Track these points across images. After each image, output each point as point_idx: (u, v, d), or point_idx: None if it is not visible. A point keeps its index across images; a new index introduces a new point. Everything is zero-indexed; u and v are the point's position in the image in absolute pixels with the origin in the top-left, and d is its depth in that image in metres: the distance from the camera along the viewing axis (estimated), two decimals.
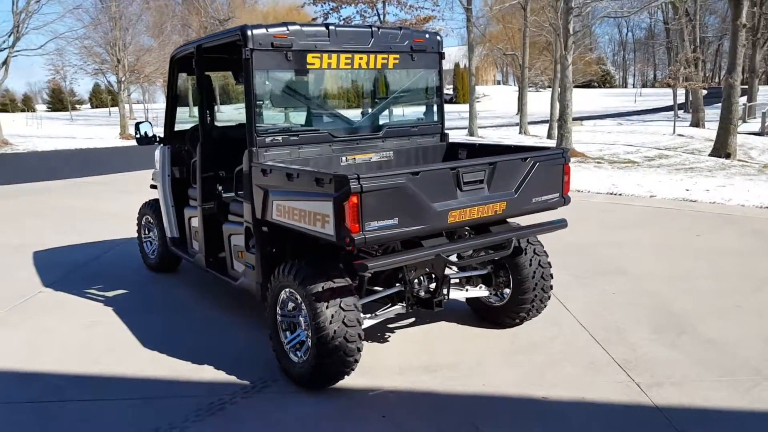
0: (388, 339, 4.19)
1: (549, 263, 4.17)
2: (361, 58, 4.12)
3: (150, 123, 5.40)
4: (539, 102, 36.38)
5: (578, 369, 3.67)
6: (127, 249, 6.67)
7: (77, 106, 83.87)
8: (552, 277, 4.22)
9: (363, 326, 3.49)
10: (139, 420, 3.15)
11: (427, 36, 4.48)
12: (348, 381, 3.49)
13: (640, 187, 10.42)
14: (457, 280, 4.25)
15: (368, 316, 3.75)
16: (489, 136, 23.67)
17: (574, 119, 19.21)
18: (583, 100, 40.47)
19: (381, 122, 4.57)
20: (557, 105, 18.32)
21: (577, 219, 5.04)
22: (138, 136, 5.33)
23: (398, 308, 3.84)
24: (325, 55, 3.95)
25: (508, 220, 3.82)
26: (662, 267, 5.73)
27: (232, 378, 3.62)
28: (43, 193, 11.10)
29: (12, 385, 3.62)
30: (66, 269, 6.03)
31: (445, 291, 3.94)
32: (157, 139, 5.37)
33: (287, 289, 3.49)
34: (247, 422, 3.13)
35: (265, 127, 3.87)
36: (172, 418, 3.16)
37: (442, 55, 4.57)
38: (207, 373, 3.70)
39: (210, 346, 4.11)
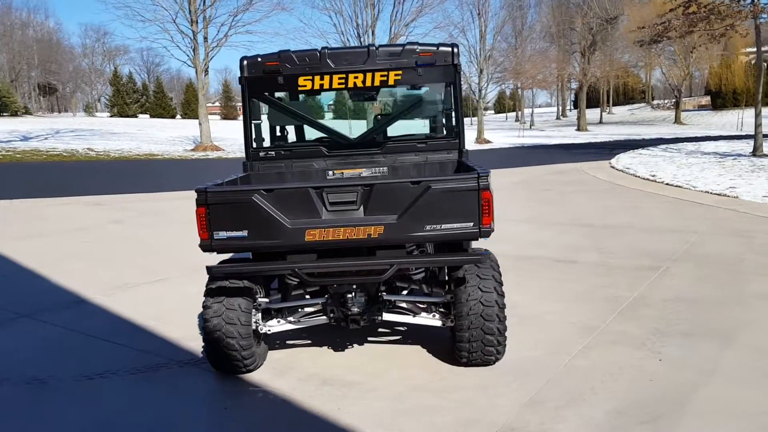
0: (331, 346, 4.42)
1: (498, 302, 3.72)
2: (356, 77, 4.42)
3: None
4: None
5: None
6: None
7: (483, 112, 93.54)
8: (502, 319, 3.75)
9: (273, 328, 3.94)
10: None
11: (436, 49, 4.43)
12: (259, 371, 4.01)
13: None
14: (404, 304, 4.15)
15: (284, 320, 4.10)
16: None
17: None
18: None
19: (383, 137, 4.71)
20: None
21: None
22: None
23: (323, 319, 4.08)
24: (317, 77, 4.42)
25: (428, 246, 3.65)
26: None
27: (189, 346, 4.49)
28: None
29: None
30: None
31: (377, 311, 3.98)
32: None
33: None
34: (161, 381, 4.01)
35: (258, 143, 4.61)
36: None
37: (456, 67, 4.43)
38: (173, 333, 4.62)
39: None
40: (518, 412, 3.38)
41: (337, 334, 4.54)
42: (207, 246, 3.53)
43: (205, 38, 27.02)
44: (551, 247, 7.40)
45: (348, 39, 30.05)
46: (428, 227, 3.45)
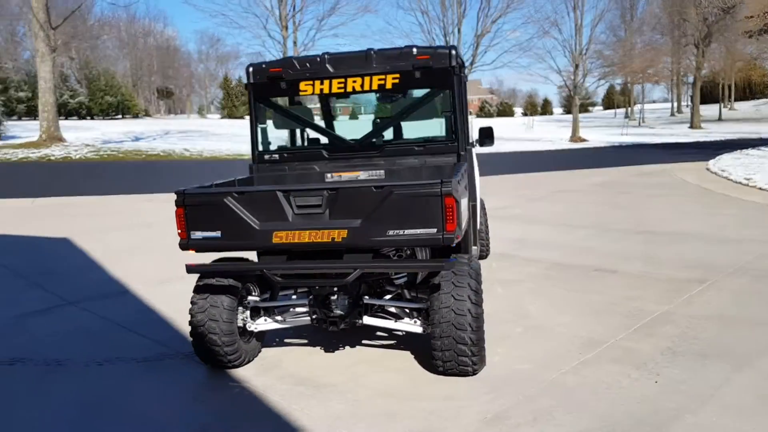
0: (323, 347, 4.48)
1: (471, 311, 3.64)
2: (354, 81, 4.49)
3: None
4: None
5: None
6: None
7: (590, 108, 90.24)
8: (475, 329, 3.65)
9: (260, 326, 4.10)
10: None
11: (433, 52, 4.38)
12: (247, 367, 4.17)
13: None
14: (392, 309, 4.14)
15: (271, 319, 4.24)
16: None
17: None
18: None
19: (382, 141, 4.71)
20: None
21: None
22: None
23: (307, 319, 4.16)
24: (317, 82, 4.54)
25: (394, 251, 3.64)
26: None
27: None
28: None
29: None
30: None
31: (358, 315, 4.01)
32: None
33: None
34: (159, 371, 4.27)
35: (265, 146, 4.78)
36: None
37: (453, 70, 4.36)
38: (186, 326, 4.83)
39: None
40: (476, 428, 3.28)
41: (333, 336, 4.61)
42: (185, 245, 3.73)
43: (295, 43, 28.06)
44: (597, 255, 7.04)
45: (434, 38, 30.00)
46: (391, 232, 3.45)
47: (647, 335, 4.48)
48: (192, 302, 4.03)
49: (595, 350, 4.25)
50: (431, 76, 4.40)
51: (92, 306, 5.82)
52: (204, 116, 75.25)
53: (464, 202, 3.76)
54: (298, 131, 5.03)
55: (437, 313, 3.68)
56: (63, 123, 41.76)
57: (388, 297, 4.24)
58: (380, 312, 4.18)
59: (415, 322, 4.03)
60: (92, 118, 55.94)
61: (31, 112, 45.06)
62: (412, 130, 5.04)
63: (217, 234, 3.66)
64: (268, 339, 4.65)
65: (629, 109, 62.58)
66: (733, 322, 4.68)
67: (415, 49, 4.40)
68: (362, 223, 3.46)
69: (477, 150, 6.47)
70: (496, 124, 61.93)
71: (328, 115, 5.55)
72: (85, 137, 31.14)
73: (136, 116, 61.97)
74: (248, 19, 33.91)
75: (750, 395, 3.49)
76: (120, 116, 61.08)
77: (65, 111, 55.03)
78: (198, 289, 4.04)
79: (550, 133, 41.29)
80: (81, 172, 19.89)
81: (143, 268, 7.26)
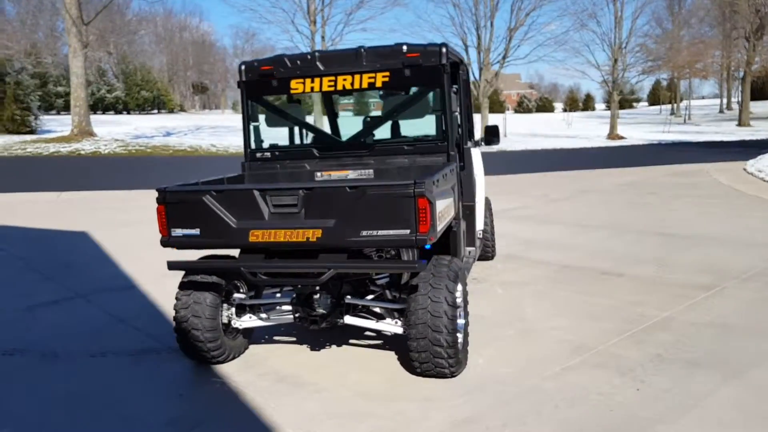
0: (309, 345, 4.56)
1: (447, 313, 3.66)
2: (344, 80, 4.55)
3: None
4: None
5: None
6: None
7: (634, 104, 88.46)
8: (450, 331, 3.68)
9: (244, 323, 4.21)
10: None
11: (423, 50, 4.41)
12: (232, 363, 4.29)
13: None
14: (378, 309, 4.19)
15: (255, 317, 4.35)
16: None
17: None
18: None
19: (372, 140, 4.75)
20: None
21: None
22: None
23: (289, 317, 4.24)
24: (308, 80, 4.62)
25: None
26: None
27: None
28: None
29: None
30: None
31: (339, 314, 4.08)
32: None
33: None
34: (147, 364, 4.43)
35: (256, 144, 4.88)
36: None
37: (443, 68, 4.38)
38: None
39: None
40: (442, 430, 3.32)
41: (321, 335, 4.69)
42: (165, 242, 3.85)
43: (323, 37, 28.26)
44: (609, 257, 6.94)
45: (465, 32, 29.80)
46: (365, 233, 3.50)
47: (640, 341, 4.43)
48: (176, 298, 4.15)
49: (582, 355, 4.22)
50: (421, 75, 4.42)
51: (99, 299, 6.04)
52: (238, 111, 76.19)
53: (443, 203, 3.77)
54: (296, 129, 5.11)
55: (414, 314, 3.72)
56: (99, 117, 42.88)
57: (370, 297, 4.29)
58: (363, 312, 4.24)
59: (396, 322, 4.07)
60: (128, 113, 57.46)
61: (69, 107, 46.58)
62: (404, 129, 5.07)
63: (196, 232, 3.77)
64: (258, 336, 4.76)
65: (675, 105, 60.99)
66: (732, 330, 4.59)
67: (405, 47, 4.43)
68: (336, 223, 3.51)
69: (484, 148, 6.47)
70: (534, 120, 61.52)
71: (331, 113, 5.63)
72: (117, 132, 32.06)
73: (171, 111, 63.38)
74: (276, 14, 34.09)
75: (733, 408, 3.42)
76: (156, 111, 62.54)
77: (102, 106, 56.70)
78: (182, 286, 4.16)
79: (589, 130, 40.55)
80: (107, 166, 20.49)
81: (154, 263, 7.39)
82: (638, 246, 7.51)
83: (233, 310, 4.30)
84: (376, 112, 5.81)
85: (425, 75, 4.41)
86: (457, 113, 5.40)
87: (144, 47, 70.74)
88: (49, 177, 17.52)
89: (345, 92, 4.67)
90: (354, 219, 3.48)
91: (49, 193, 13.85)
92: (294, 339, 4.75)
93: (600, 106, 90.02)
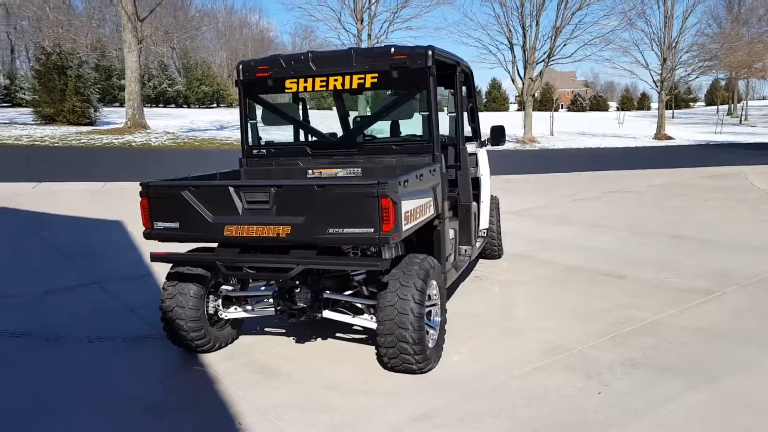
0: (295, 337, 4.66)
1: (413, 311, 3.71)
2: (336, 80, 4.63)
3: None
4: None
5: None
6: None
7: (691, 104, 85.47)
8: (416, 328, 3.72)
9: (229, 314, 4.36)
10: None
11: (410, 52, 4.44)
12: (218, 353, 4.44)
13: None
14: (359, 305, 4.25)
15: (240, 308, 4.48)
16: None
17: None
18: None
19: (360, 139, 4.81)
20: None
21: None
22: None
23: (271, 310, 4.35)
24: (301, 80, 4.72)
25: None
26: None
27: None
28: None
29: None
30: None
31: (317, 309, 4.17)
32: None
33: None
34: (140, 350, 4.63)
35: (254, 141, 5.01)
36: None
37: (429, 70, 4.40)
38: None
39: None
40: (398, 425, 3.36)
41: (309, 328, 4.79)
42: (148, 234, 4.03)
43: (369, 35, 28.36)
44: (615, 259, 6.81)
45: (511, 30, 29.36)
46: (332, 230, 3.57)
47: (618, 344, 4.36)
48: (162, 288, 4.33)
49: (556, 356, 4.19)
50: (408, 76, 4.45)
51: (112, 286, 6.30)
52: None
53: (413, 203, 3.80)
54: (292, 127, 5.23)
55: (382, 310, 3.78)
56: (158, 111, 44.07)
57: (348, 293, 4.37)
58: (342, 307, 4.31)
59: (371, 318, 4.14)
60: (188, 107, 59.01)
61: None
62: (394, 129, 5.11)
63: (176, 225, 3.92)
64: (249, 327, 4.90)
65: (731, 105, 58.55)
66: (719, 337, 4.45)
67: (392, 49, 4.48)
68: (305, 220, 3.60)
69: (489, 148, 6.43)
70: (587, 118, 60.11)
71: (341, 109, 5.73)
72: (173, 125, 33.00)
73: (229, 106, 64.71)
74: (324, 12, 34.48)
75: (692, 414, 3.35)
76: (215, 105, 64.02)
77: (164, 99, 58.44)
78: (169, 277, 4.33)
79: (639, 130, 39.40)
80: (155, 158, 21.12)
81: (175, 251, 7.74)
82: (649, 248, 7.33)
83: (220, 301, 4.44)
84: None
85: (411, 76, 4.44)
86: (453, 114, 5.40)
87: (205, 43, 72.51)
88: (99, 167, 18.24)
89: (336, 92, 4.74)
90: (321, 217, 3.56)
91: (95, 183, 14.45)
92: (283, 331, 4.86)
93: (655, 105, 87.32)
